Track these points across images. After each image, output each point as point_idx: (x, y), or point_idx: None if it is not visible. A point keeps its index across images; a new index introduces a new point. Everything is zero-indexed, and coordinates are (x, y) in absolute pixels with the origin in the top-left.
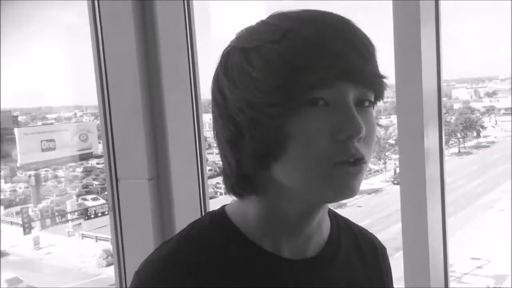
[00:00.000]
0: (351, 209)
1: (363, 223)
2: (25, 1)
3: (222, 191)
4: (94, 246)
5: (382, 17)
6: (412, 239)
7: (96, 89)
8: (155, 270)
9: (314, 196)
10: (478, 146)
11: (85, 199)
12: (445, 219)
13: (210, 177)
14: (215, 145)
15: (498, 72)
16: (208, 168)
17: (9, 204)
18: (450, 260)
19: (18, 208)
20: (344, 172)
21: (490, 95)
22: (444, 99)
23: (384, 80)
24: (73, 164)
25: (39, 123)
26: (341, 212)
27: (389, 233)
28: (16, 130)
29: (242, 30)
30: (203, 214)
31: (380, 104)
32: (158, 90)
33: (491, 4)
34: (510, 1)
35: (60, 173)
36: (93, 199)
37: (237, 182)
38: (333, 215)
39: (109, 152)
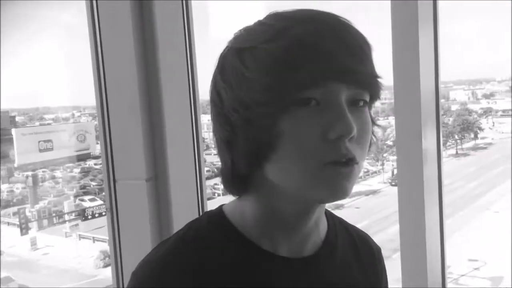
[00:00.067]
0: (349, 210)
1: (360, 224)
2: (24, 1)
3: (220, 192)
4: (91, 247)
5: (382, 17)
6: (409, 241)
7: (94, 90)
8: (153, 270)
9: (305, 196)
10: (475, 148)
11: (82, 200)
12: (443, 221)
13: (208, 178)
14: (213, 146)
15: (496, 74)
16: (206, 169)
17: (6, 204)
18: (448, 262)
19: (15, 209)
20: (336, 173)
21: (487, 96)
22: (442, 100)
23: (379, 80)
24: (70, 164)
25: (37, 123)
26: (339, 213)
27: (386, 234)
28: (13, 131)
29: (240, 30)
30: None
31: (378, 105)
32: (156, 91)
33: (488, 6)
34: (508, 3)
35: (58, 173)
36: (91, 200)
37: (233, 181)
38: (330, 215)
39: (107, 152)
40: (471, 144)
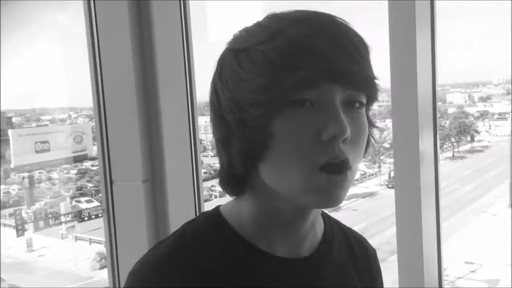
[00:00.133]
0: (346, 212)
1: (358, 226)
2: (21, 2)
3: (217, 194)
4: (87, 248)
5: (382, 17)
6: (406, 243)
7: (91, 91)
8: (149, 270)
9: (296, 201)
10: (472, 151)
11: (79, 201)
12: (440, 223)
13: (205, 180)
14: (210, 147)
15: (492, 77)
16: (203, 171)
17: (2, 206)
18: (444, 264)
19: (11, 210)
20: (328, 181)
21: (484, 99)
22: (438, 103)
23: (376, 81)
24: (67, 166)
25: (34, 124)
26: (336, 215)
27: (383, 236)
28: (10, 132)
29: (239, 31)
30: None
31: (375, 107)
32: (153, 92)
33: (486, 7)
34: (505, 5)
35: (54, 175)
36: (87, 201)
37: (230, 182)
38: (326, 217)
39: (103, 154)
40: (467, 147)
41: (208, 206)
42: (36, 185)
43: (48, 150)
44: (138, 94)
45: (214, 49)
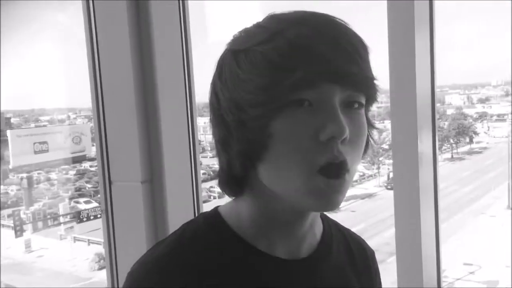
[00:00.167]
0: (345, 214)
1: (356, 227)
2: (21, 2)
3: (216, 195)
4: (86, 249)
5: (382, 17)
6: (405, 244)
7: (90, 91)
8: (148, 270)
9: (296, 204)
10: (470, 152)
11: (77, 202)
12: (438, 224)
13: (203, 181)
14: (209, 148)
15: (491, 78)
16: (202, 171)
17: (1, 206)
18: (443, 265)
19: (10, 211)
20: (327, 185)
21: (482, 101)
22: (437, 104)
23: (375, 82)
24: (66, 166)
25: (32, 125)
26: (335, 216)
27: (382, 238)
28: (8, 132)
29: (239, 32)
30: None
31: (373, 108)
32: (152, 92)
33: (485, 8)
34: (504, 6)
35: (53, 175)
36: (86, 202)
37: (229, 182)
38: (325, 218)
39: (102, 154)
40: (466, 148)
41: (207, 207)
42: (35, 185)
43: (47, 151)
44: (137, 95)
45: (213, 49)
